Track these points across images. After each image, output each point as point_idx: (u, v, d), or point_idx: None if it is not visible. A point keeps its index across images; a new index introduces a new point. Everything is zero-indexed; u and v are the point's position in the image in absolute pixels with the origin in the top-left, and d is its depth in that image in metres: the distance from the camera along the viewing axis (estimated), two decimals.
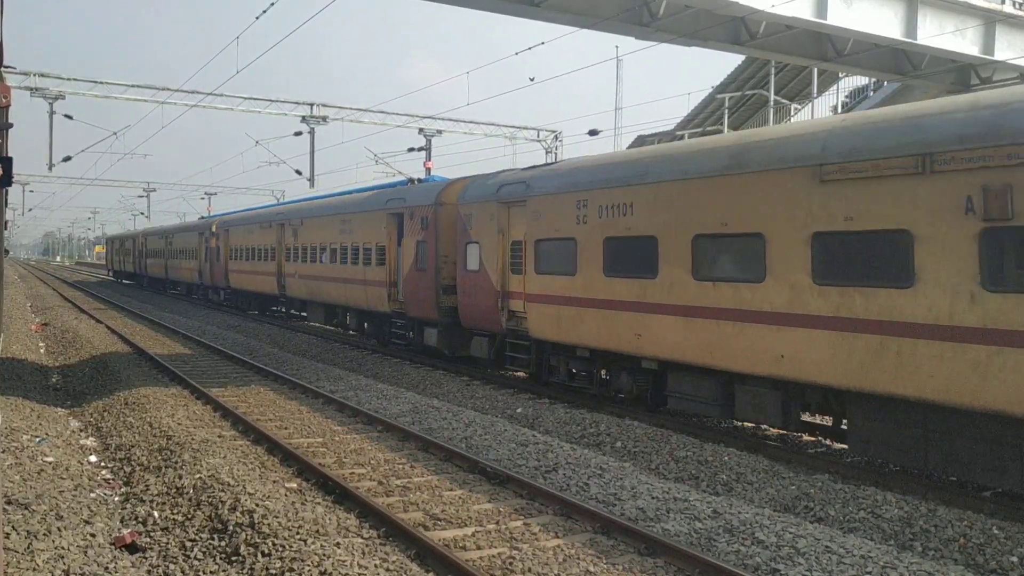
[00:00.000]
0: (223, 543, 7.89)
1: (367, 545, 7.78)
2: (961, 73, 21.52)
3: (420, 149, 39.28)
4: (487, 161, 68.26)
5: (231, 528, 8.12)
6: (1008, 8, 19.75)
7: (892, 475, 10.47)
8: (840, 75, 31.37)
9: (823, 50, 20.43)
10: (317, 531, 7.93)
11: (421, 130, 39.51)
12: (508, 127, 41.90)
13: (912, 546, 8.21)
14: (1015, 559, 7.81)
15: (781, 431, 13.07)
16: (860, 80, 30.70)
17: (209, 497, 9.03)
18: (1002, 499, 9.45)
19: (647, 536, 7.95)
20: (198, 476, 9.78)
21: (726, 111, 33.57)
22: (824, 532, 8.21)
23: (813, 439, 12.73)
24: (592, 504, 9.11)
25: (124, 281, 70.61)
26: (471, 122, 40.74)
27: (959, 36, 19.50)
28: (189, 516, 8.66)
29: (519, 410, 14.79)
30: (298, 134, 37.58)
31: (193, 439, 11.79)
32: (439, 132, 39.89)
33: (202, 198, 75.42)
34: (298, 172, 39.60)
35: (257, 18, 21.43)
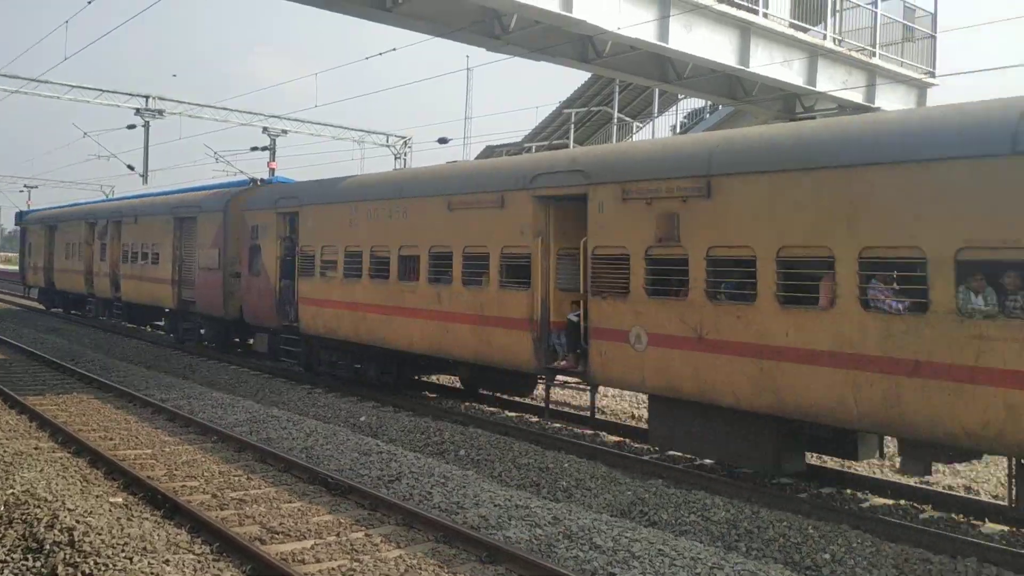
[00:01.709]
0: (39, 563, 7.37)
1: (199, 561, 7.46)
2: (788, 101, 22.99)
3: (264, 149, 38.09)
4: (334, 164, 66.91)
5: (48, 547, 7.59)
6: (829, 44, 21.27)
7: (720, 480, 11.02)
8: (679, 97, 32.82)
9: (664, 72, 21.31)
10: (144, 548, 7.54)
11: (265, 129, 38.25)
12: (357, 131, 41.30)
13: (737, 546, 8.67)
14: (827, 556, 8.40)
15: (619, 439, 13.51)
16: (698, 103, 32.24)
17: (23, 514, 8.41)
18: (817, 500, 10.15)
19: (488, 544, 8.01)
20: (11, 492, 9.10)
21: (572, 126, 34.43)
22: (657, 535, 8.53)
23: (646, 446, 13.19)
24: (435, 513, 9.09)
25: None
26: (319, 123, 39.85)
27: (786, 67, 20.82)
28: (0, 535, 8.03)
29: (363, 419, 14.58)
30: (131, 127, 35.56)
31: (5, 451, 10.97)
32: (284, 132, 38.73)
33: (21, 191, 70.14)
34: (130, 167, 37.54)
35: (89, 2, 20.22)
